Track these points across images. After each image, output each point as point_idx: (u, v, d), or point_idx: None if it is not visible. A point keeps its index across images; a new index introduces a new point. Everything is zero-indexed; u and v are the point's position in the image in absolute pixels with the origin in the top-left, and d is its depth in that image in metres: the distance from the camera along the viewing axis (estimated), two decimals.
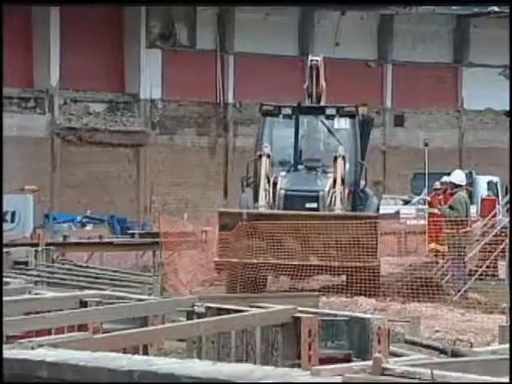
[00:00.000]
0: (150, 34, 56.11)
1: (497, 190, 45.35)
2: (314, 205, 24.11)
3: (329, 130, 26.56)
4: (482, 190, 45.81)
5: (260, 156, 24.90)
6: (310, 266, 21.77)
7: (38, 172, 50.93)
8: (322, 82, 27.85)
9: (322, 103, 28.15)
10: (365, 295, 21.81)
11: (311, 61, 28.68)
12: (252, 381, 6.48)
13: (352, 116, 26.50)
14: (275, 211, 23.78)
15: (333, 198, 23.85)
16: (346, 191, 24.91)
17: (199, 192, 52.97)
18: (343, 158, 25.10)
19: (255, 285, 22.41)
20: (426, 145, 50.35)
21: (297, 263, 21.44)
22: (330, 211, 24.08)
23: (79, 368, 7.52)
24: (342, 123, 26.34)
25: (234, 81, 57.38)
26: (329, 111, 26.55)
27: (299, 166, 26.04)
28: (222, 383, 6.60)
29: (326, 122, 26.64)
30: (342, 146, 26.13)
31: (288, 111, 26.60)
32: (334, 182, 24.43)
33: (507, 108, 63.53)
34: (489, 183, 46.88)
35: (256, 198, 25.20)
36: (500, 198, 42.57)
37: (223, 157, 57.54)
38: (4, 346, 8.47)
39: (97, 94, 55.66)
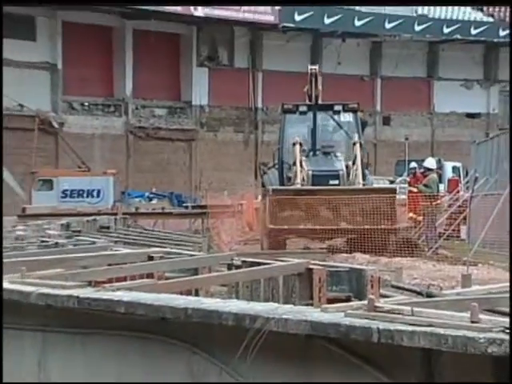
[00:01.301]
0: (200, 56, 56.01)
1: (459, 172, 45.21)
2: (336, 182, 23.67)
3: (336, 123, 26.25)
4: (448, 173, 45.71)
5: (293, 144, 24.31)
6: (342, 229, 21.43)
7: (117, 160, 50.89)
8: (319, 86, 27.67)
9: (319, 102, 27.65)
10: (383, 253, 21.43)
11: (311, 69, 28.52)
12: (276, 316, 6.45)
13: (354, 111, 26.42)
14: (317, 187, 23.15)
15: (353, 175, 23.48)
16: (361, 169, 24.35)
17: (236, 175, 52.84)
18: (360, 144, 24.90)
19: (282, 245, 22.03)
20: (406, 139, 50.41)
21: (330, 227, 21.04)
22: (351, 186, 23.60)
23: (147, 305, 7.50)
24: (347, 117, 26.25)
25: (262, 91, 57.28)
26: (336, 107, 26.32)
27: (317, 152, 25.56)
28: (254, 316, 6.58)
29: (334, 116, 26.35)
30: (357, 134, 25.86)
31: (304, 109, 26.40)
32: (353, 162, 24.08)
33: (467, 111, 63.34)
34: (453, 168, 46.76)
35: (281, 179, 25.06)
36: (462, 178, 42.49)
37: (254, 148, 57.44)
38: (91, 290, 8.47)
39: (160, 102, 55.60)
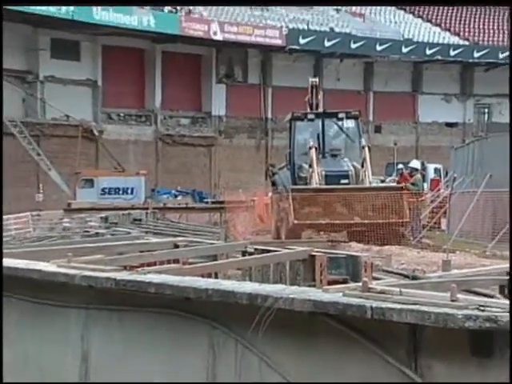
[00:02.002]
0: (218, 74, 56.08)
1: (440, 173, 45.12)
2: (346, 181, 23.03)
3: (340, 128, 25.47)
4: (431, 174, 45.71)
5: (309, 148, 23.51)
6: (355, 223, 20.91)
7: (147, 163, 50.97)
8: (319, 96, 27.35)
9: (323, 111, 27.28)
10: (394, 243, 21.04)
11: (312, 81, 28.22)
12: (284, 295, 6.44)
13: (356, 118, 25.64)
14: (333, 186, 22.59)
15: (364, 175, 22.79)
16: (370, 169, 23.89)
17: (249, 175, 52.81)
18: (368, 147, 24.21)
19: (298, 236, 21.26)
20: (394, 144, 50.30)
21: (346, 222, 20.63)
22: (362, 184, 23.03)
23: (174, 287, 7.49)
24: (349, 123, 25.44)
25: (271, 103, 57.30)
26: (340, 115, 25.49)
27: (326, 155, 24.89)
28: (265, 296, 6.56)
29: (338, 122, 25.56)
30: (359, 138, 25.35)
31: (311, 116, 25.64)
32: (362, 163, 23.40)
33: (447, 121, 63.20)
34: (435, 169, 46.70)
35: (293, 178, 24.40)
36: (442, 178, 42.40)
37: (264, 152, 57.41)
38: (126, 273, 8.48)
39: (184, 113, 55.65)
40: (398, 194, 21.61)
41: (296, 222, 20.52)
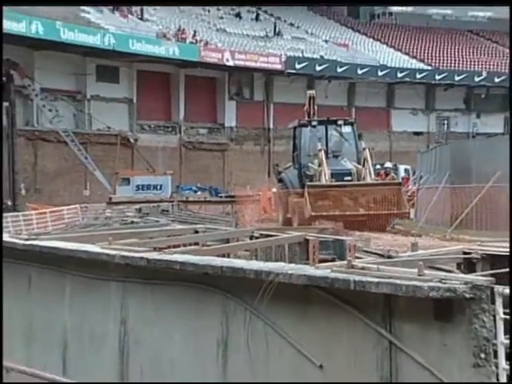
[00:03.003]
0: (230, 93, 55.96)
1: (409, 172, 44.97)
2: (349, 178, 22.05)
3: (339, 133, 24.54)
4: (402, 173, 45.55)
5: (319, 150, 22.55)
6: (361, 214, 20.04)
7: (173, 164, 50.88)
8: (315, 106, 26.65)
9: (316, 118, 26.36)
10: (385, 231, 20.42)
11: (309, 94, 27.51)
12: (283, 271, 6.41)
13: (352, 124, 24.74)
14: (343, 183, 21.54)
15: (365, 173, 21.75)
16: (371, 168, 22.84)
17: (255, 174, 52.60)
18: (369, 149, 23.33)
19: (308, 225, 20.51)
20: (372, 149, 50.08)
21: (353, 213, 19.80)
22: (362, 181, 21.97)
23: (195, 264, 7.46)
24: (347, 129, 24.50)
25: (273, 117, 57.13)
26: (339, 122, 24.65)
27: (328, 155, 23.90)
28: (268, 272, 6.53)
29: (337, 128, 24.61)
30: (363, 142, 24.62)
31: (314, 123, 24.63)
32: (363, 163, 22.33)
33: (414, 130, 63.01)
34: (405, 169, 46.53)
35: (300, 176, 23.43)
36: (411, 176, 42.30)
37: (267, 156, 57.22)
38: (156, 253, 8.45)
39: (202, 124, 55.54)
40: (396, 189, 20.90)
41: (313, 213, 19.72)
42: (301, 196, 21.46)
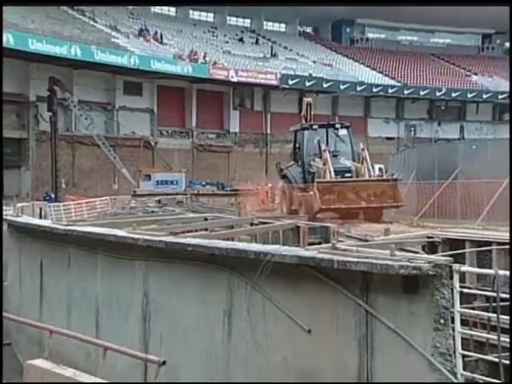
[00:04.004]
0: (234, 104, 55.69)
1: (383, 171, 44.66)
2: (349, 174, 20.53)
3: (337, 136, 22.59)
4: (377, 171, 45.19)
5: (324, 150, 20.88)
6: (362, 207, 18.83)
7: (187, 163, 50.65)
8: (312, 112, 25.39)
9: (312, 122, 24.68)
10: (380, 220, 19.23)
11: (307, 101, 25.98)
12: (278, 252, 6.38)
13: (347, 127, 22.91)
14: (347, 179, 20.05)
15: (364, 170, 20.26)
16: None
17: (254, 172, 52.20)
18: (367, 149, 21.73)
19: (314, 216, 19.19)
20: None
21: (356, 206, 18.60)
22: (361, 177, 20.47)
23: (204, 246, 7.43)
24: (344, 131, 22.73)
25: (270, 124, 56.88)
26: (337, 125, 22.98)
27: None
28: (266, 253, 6.51)
29: (335, 131, 22.73)
30: (361, 143, 22.98)
31: (315, 127, 22.92)
32: (362, 161, 20.79)
33: (387, 136, 62.75)
34: (379, 168, 46.16)
35: (303, 173, 22.19)
36: (384, 174, 42.01)
37: (265, 157, 56.88)
38: (172, 237, 8.42)
39: (211, 130, 55.20)
40: (393, 184, 19.62)
41: (323, 206, 18.62)
42: (304, 190, 20.50)
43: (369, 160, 20.85)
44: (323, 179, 20.27)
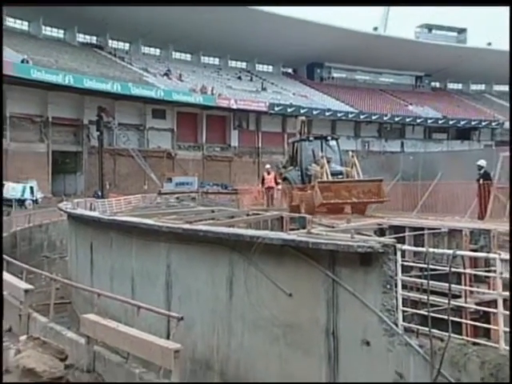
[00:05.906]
0: (234, 124, 55.47)
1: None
2: (341, 176, 18.85)
3: (328, 146, 20.62)
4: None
5: (322, 157, 19.23)
6: (353, 202, 17.39)
7: (198, 169, 50.54)
8: (306, 128, 24.30)
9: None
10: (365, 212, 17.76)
11: (301, 119, 24.40)
12: (268, 236, 6.36)
13: (336, 139, 21.12)
14: (342, 179, 18.49)
15: (354, 173, 18.64)
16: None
17: (249, 176, 52.00)
18: (356, 156, 19.81)
19: (313, 211, 17.51)
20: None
21: (348, 201, 17.24)
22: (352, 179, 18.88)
23: (212, 232, 7.39)
24: (334, 143, 22.06)
25: (261, 140, 56.58)
26: (328, 138, 21.19)
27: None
28: (258, 236, 6.48)
29: (327, 142, 20.77)
30: (351, 151, 21.77)
31: (311, 138, 21.15)
32: (352, 166, 19.05)
33: (348, 149, 62.30)
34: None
35: (302, 176, 20.43)
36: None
37: (257, 165, 56.47)
38: (188, 225, 8.36)
39: (217, 144, 54.87)
40: (378, 184, 18.93)
41: (325, 201, 17.22)
42: (302, 190, 19.81)
43: (358, 164, 20.26)
44: (323, 179, 18.98)
